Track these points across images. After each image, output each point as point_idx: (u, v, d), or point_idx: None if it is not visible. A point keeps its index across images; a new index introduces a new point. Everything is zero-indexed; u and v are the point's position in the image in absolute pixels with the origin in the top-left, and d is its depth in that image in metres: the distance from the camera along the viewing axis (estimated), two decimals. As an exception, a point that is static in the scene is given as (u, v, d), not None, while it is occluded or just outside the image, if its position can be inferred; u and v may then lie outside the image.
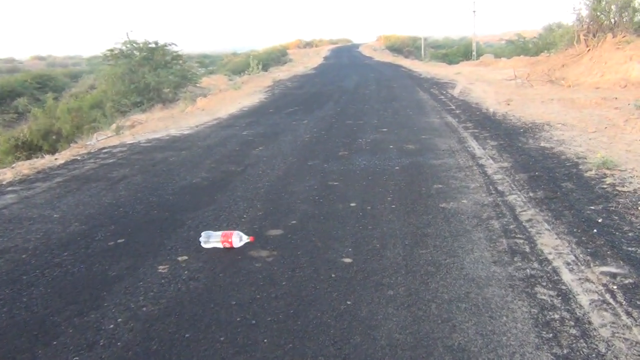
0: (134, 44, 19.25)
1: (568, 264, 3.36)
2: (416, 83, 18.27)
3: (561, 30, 17.95)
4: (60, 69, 50.12)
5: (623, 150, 6.20)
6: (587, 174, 5.31)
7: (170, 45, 20.08)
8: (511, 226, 4.08)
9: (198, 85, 21.64)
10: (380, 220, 4.34)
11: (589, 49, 15.06)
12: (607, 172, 5.30)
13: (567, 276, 3.20)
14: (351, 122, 9.68)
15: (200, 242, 3.95)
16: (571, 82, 13.23)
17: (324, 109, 12.01)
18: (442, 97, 13.32)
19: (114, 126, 11.71)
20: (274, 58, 56.68)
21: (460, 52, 50.22)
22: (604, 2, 15.32)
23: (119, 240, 4.12)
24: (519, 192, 4.90)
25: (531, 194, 4.82)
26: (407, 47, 72.88)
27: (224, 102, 14.88)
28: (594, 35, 14.95)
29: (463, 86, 15.47)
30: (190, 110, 13.89)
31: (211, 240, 3.93)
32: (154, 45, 19.53)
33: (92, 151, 8.07)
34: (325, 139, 8.15)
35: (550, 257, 3.48)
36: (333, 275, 3.34)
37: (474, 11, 52.80)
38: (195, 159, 7.12)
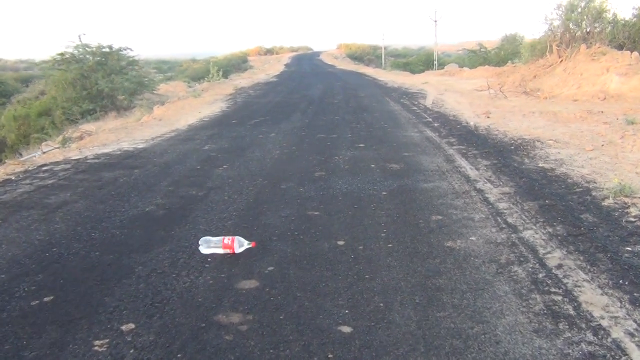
0: (87, 48, 18.07)
1: (632, 335, 2.61)
2: (384, 92, 17.63)
3: (531, 40, 17.50)
4: (11, 73, 47.96)
5: (632, 172, 5.57)
6: (606, 203, 4.62)
7: (125, 49, 18.94)
8: (540, 275, 3.32)
9: (155, 92, 20.56)
10: (377, 266, 3.53)
11: (562, 60, 14.70)
12: (627, 200, 4.63)
13: (638, 356, 2.44)
14: (323, 136, 8.87)
15: (199, 249, 3.83)
16: (547, 93, 12.75)
17: (291, 120, 11.18)
18: (415, 108, 12.66)
19: (59, 138, 10.61)
20: (234, 65, 55.73)
21: (421, 62, 50.37)
22: (575, 13, 14.97)
23: (46, 298, 3.19)
24: (534, 227, 4.16)
25: (549, 230, 4.08)
26: (367, 56, 73.08)
27: (183, 111, 13.90)
28: (567, 46, 14.57)
29: (434, 96, 14.88)
30: (146, 120, 12.87)
31: (211, 245, 3.82)
32: (108, 50, 18.40)
33: (29, 169, 7.03)
34: (297, 155, 7.31)
35: (604, 323, 2.73)
36: (330, 356, 2.51)
37: (435, 21, 53.06)
38: (150, 179, 6.18)
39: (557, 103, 11.59)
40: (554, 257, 3.58)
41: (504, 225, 4.22)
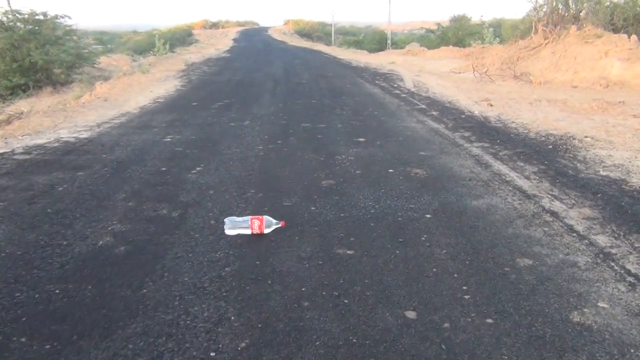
0: (17, 15, 15.86)
1: None
2: (353, 73, 16.24)
3: (510, 19, 16.43)
4: None
5: None
6: None
7: (62, 17, 16.77)
8: None
9: (96, 65, 18.51)
10: (495, 370, 2.16)
11: (548, 42, 13.64)
12: None
13: None
14: (309, 126, 7.41)
15: (224, 231, 3.53)
16: (540, 78, 11.65)
17: (261, 103, 9.65)
18: (398, 91, 11.33)
19: (-18, 120, 8.72)
20: (179, 38, 53.07)
21: (375, 40, 49.21)
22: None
23: None
24: (677, 282, 2.88)
25: None
26: (316, 33, 71.40)
27: (131, 89, 12.11)
28: (555, 26, 13.51)
29: (412, 79, 13.60)
30: (87, 99, 11.03)
31: (237, 226, 3.52)
32: (42, 17, 16.19)
33: None
34: (288, 153, 5.85)
35: None
36: None
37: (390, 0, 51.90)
38: (100, 188, 4.61)
39: (555, 90, 10.50)
40: None
41: (631, 279, 2.93)
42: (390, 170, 5.09)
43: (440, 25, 38.10)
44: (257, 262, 3.13)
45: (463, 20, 39.24)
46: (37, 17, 16.01)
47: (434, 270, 3.03)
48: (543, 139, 6.35)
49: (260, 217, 3.53)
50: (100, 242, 3.44)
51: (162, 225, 3.73)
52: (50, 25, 16.29)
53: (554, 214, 3.91)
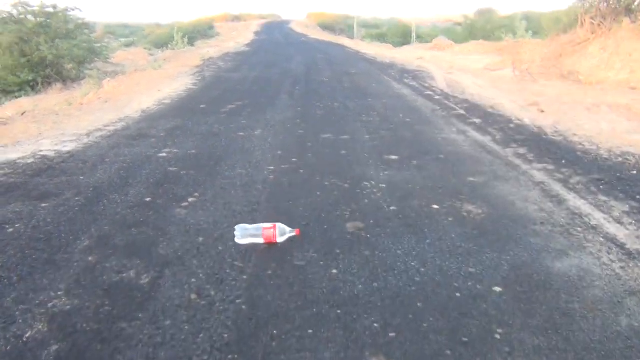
0: (27, 7, 15.05)
1: None
2: (378, 69, 15.06)
3: (554, 12, 15.07)
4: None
5: None
6: None
7: (73, 10, 15.90)
8: None
9: (110, 61, 17.59)
10: None
11: (596, 36, 12.28)
12: None
13: None
14: (331, 137, 6.29)
15: (235, 240, 3.25)
16: (591, 78, 10.36)
17: (277, 106, 8.56)
18: (430, 92, 10.14)
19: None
20: (201, 31, 52.21)
21: (399, 34, 47.74)
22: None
23: None
24: None
25: None
26: (339, 26, 70.18)
27: (138, 87, 11.11)
28: (604, 19, 12.15)
29: (443, 77, 12.39)
30: (90, 99, 10.07)
31: (248, 234, 3.24)
32: (52, 10, 15.35)
33: None
34: (304, 178, 4.73)
35: None
36: None
37: (415, -10, 50.29)
38: (60, 230, 3.55)
39: (611, 92, 9.21)
40: None
41: None
42: (435, 207, 3.95)
43: (467, 17, 36.56)
44: (250, 385, 2.03)
45: (490, 13, 37.96)
46: (47, 10, 15.18)
47: (527, 410, 1.90)
48: (620, 159, 5.14)
49: (273, 224, 3.28)
50: (28, 334, 2.37)
51: (122, 301, 2.65)
52: (61, 19, 15.45)
53: (678, 290, 2.74)
